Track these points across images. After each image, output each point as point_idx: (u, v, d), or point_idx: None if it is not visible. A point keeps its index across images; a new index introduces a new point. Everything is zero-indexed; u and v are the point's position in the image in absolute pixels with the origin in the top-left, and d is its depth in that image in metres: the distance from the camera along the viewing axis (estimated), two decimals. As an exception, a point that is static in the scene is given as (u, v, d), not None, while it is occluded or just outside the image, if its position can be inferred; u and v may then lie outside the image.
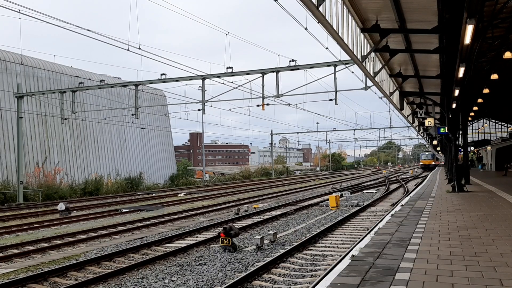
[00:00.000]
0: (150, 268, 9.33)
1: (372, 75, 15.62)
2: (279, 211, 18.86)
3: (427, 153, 77.36)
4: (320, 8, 8.65)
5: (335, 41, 10.81)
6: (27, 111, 39.68)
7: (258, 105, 24.88)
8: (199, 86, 27.31)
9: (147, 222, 16.83)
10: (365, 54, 13.74)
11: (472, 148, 62.58)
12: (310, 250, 10.61)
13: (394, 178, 46.28)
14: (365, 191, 30.37)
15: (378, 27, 12.04)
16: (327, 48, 15.48)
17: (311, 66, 23.36)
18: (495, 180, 25.98)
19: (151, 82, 27.49)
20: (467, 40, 9.27)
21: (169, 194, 33.89)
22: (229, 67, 24.06)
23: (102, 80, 31.52)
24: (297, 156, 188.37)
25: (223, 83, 24.32)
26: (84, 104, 45.37)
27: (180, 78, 26.26)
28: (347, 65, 21.88)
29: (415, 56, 15.98)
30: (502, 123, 61.90)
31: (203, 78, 25.36)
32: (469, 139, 54.26)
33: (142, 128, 51.68)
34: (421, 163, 77.00)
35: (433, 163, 73.29)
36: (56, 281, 8.64)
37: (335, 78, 22.78)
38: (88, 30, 14.88)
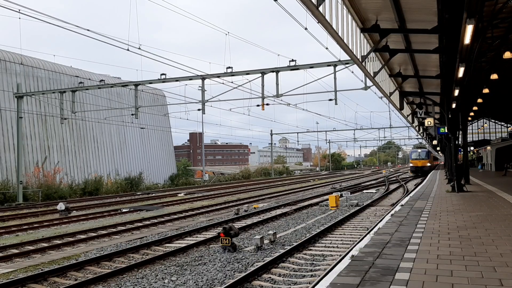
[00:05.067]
0: (150, 268, 9.33)
1: (372, 75, 15.62)
2: (279, 211, 18.86)
3: (419, 150, 51.79)
4: (320, 8, 8.65)
5: (335, 41, 10.81)
6: (27, 111, 39.66)
7: (258, 105, 24.87)
8: (199, 86, 27.33)
9: (147, 222, 16.82)
10: (365, 54, 13.73)
11: (472, 148, 62.60)
12: (310, 250, 10.61)
13: (394, 178, 46.29)
14: (364, 191, 30.37)
15: (378, 27, 12.04)
16: (327, 48, 15.48)
17: (311, 66, 23.35)
18: (495, 180, 25.97)
19: (151, 82, 27.48)
20: (467, 40, 9.28)
21: (169, 194, 33.88)
22: (229, 67, 24.05)
23: (102, 80, 31.50)
24: (297, 156, 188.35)
25: (223, 83, 24.33)
26: (84, 104, 45.35)
27: (180, 78, 26.25)
28: (347, 65, 21.87)
29: (415, 56, 15.98)
30: (502, 123, 61.93)
31: (203, 78, 25.34)
32: (469, 139, 54.23)
33: (142, 128, 51.67)
34: (410, 165, 52.45)
35: (428, 164, 50.52)
36: (56, 281, 8.64)
37: (335, 78, 22.78)
38: (88, 30, 14.88)
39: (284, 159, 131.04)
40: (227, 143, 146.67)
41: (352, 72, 21.52)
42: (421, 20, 11.69)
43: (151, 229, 15.34)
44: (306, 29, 12.61)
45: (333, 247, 10.89)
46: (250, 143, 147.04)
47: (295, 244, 10.70)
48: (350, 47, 11.73)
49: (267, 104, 24.96)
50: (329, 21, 9.42)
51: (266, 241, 11.35)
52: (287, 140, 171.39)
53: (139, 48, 16.45)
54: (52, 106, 43.33)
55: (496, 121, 62.21)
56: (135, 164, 57.71)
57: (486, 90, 21.73)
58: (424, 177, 41.79)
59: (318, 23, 9.41)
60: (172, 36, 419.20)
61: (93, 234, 14.29)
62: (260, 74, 24.28)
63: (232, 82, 24.28)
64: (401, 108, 24.18)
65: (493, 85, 22.04)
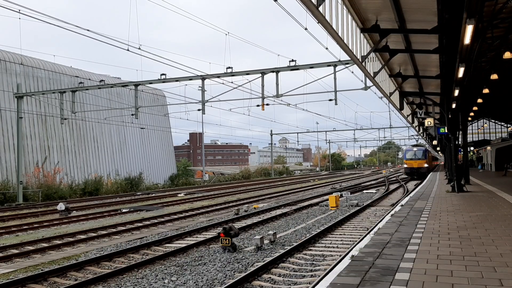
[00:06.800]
0: (150, 268, 9.33)
1: (372, 75, 15.62)
2: (279, 211, 18.85)
3: (415, 149, 44.08)
4: (320, 8, 8.65)
5: (335, 41, 10.81)
6: (27, 111, 39.67)
7: (258, 105, 24.87)
8: (199, 86, 27.34)
9: (147, 222, 16.82)
10: (365, 54, 13.73)
11: (472, 148, 62.62)
12: (310, 250, 10.61)
13: (394, 178, 46.28)
14: (365, 191, 30.37)
15: (378, 27, 12.04)
16: (327, 48, 15.50)
17: (311, 66, 23.36)
18: (495, 180, 25.97)
19: (151, 82, 27.48)
20: (467, 40, 9.28)
21: (169, 194, 33.88)
22: (229, 67, 24.06)
23: (102, 80, 31.49)
24: (297, 156, 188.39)
25: (223, 83, 24.33)
26: (84, 104, 45.37)
27: (180, 78, 26.25)
28: (347, 65, 21.87)
29: (415, 56, 15.98)
30: (502, 123, 61.96)
31: (203, 78, 25.35)
32: (469, 139, 54.24)
33: (142, 128, 51.67)
34: (405, 166, 44.78)
35: (426, 165, 42.65)
36: (56, 281, 8.64)
37: (335, 78, 22.79)
38: (88, 30, 14.88)
39: (284, 159, 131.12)
40: (227, 143, 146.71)
41: (352, 72, 21.55)
42: (421, 20, 11.69)
43: (151, 229, 15.34)
44: (306, 29, 12.62)
45: (333, 247, 10.89)
46: (250, 143, 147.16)
47: (295, 244, 10.70)
48: (350, 47, 11.73)
49: (267, 104, 24.97)
50: (329, 21, 9.42)
51: (266, 241, 11.35)
52: (287, 140, 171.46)
53: (139, 48, 16.46)
54: (52, 106, 43.33)
55: (496, 121, 62.24)
56: (135, 164, 57.71)
57: (486, 90, 21.74)
58: (421, 180, 36.50)
59: (318, 23, 9.41)
60: (172, 36, 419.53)
61: (93, 234, 14.28)
62: (260, 74, 24.28)
63: (232, 82, 24.30)
64: (401, 108, 24.19)
65: (493, 85, 22.04)
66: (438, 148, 60.03)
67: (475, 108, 29.60)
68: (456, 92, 15.70)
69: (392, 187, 31.98)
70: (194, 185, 49.38)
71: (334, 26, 9.84)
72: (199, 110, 27.29)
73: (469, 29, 8.70)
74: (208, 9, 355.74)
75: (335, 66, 22.54)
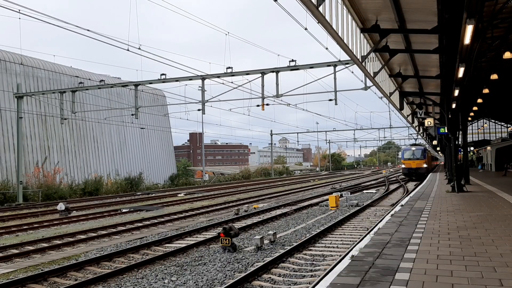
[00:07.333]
0: (150, 268, 9.33)
1: (372, 75, 15.62)
2: (279, 211, 18.86)
3: (413, 148, 40.91)
4: (320, 8, 8.64)
5: (335, 41, 10.80)
6: (27, 111, 39.67)
7: (258, 105, 24.88)
8: (199, 86, 27.36)
9: (147, 222, 16.82)
10: (365, 54, 13.73)
11: (472, 148, 62.63)
12: (310, 250, 10.61)
13: (394, 178, 46.29)
14: (364, 191, 30.37)
15: (378, 27, 12.04)
16: (327, 48, 15.51)
17: (311, 66, 23.36)
18: (495, 180, 25.97)
19: (151, 82, 27.48)
20: (467, 40, 9.28)
21: (169, 194, 33.88)
22: (229, 67, 24.06)
23: (101, 80, 31.50)
24: (297, 156, 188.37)
25: (223, 83, 24.33)
26: (84, 104, 45.37)
27: (180, 78, 26.25)
28: (347, 65, 21.88)
29: (415, 56, 15.98)
30: (502, 123, 61.97)
31: (203, 78, 25.35)
32: (469, 139, 54.25)
33: (142, 128, 51.68)
34: (402, 166, 42.33)
35: (425, 165, 39.91)
36: (56, 281, 8.64)
37: (334, 78, 22.79)
38: (88, 30, 14.88)
39: (284, 159, 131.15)
40: (227, 143, 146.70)
41: (352, 72, 21.55)
42: (421, 20, 11.69)
43: (151, 229, 15.34)
44: (306, 29, 12.62)
45: (333, 247, 10.89)
46: (250, 143, 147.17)
47: (295, 244, 10.70)
48: (350, 47, 11.72)
49: (267, 104, 24.97)
50: (329, 21, 9.42)
51: (266, 241, 11.35)
52: (287, 140, 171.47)
53: (139, 48, 16.46)
54: (52, 106, 43.34)
55: (496, 121, 62.26)
56: (135, 164, 57.71)
57: (486, 90, 21.75)
58: (420, 181, 34.73)
59: (318, 23, 9.40)
60: (172, 36, 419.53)
61: (93, 234, 14.28)
62: (260, 74, 24.28)
63: (232, 82, 24.29)
64: (401, 108, 24.19)
65: (493, 85, 22.05)
66: (438, 148, 59.99)
67: (475, 108, 29.61)
68: (456, 92, 15.71)
69: (392, 187, 31.99)
70: (194, 185, 49.38)
71: (334, 26, 9.84)
72: (199, 110, 27.30)
73: (469, 29, 8.70)
74: (208, 9, 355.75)
75: (335, 66, 22.54)
